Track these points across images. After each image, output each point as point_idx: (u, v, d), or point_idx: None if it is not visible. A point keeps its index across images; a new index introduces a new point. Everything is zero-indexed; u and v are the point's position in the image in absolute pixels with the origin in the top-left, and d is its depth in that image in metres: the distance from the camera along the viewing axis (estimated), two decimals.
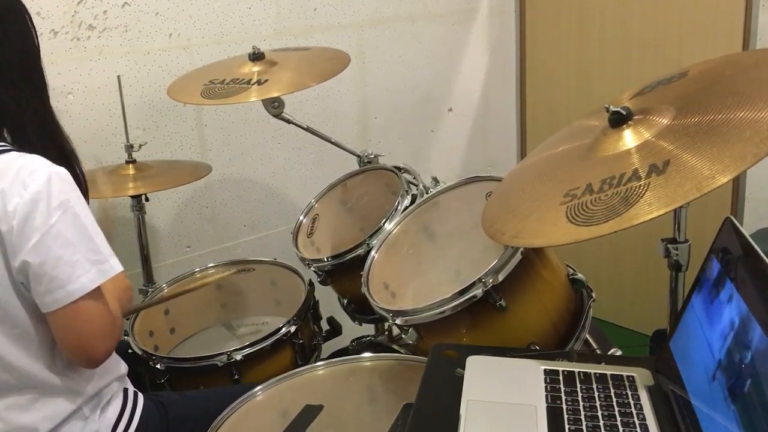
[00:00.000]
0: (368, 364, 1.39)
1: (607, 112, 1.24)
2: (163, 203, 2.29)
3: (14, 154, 1.19)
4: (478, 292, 1.28)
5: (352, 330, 1.87)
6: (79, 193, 1.22)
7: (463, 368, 1.09)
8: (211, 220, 2.41)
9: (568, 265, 1.48)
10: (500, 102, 3.05)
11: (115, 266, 1.23)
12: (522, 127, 3.09)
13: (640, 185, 1.08)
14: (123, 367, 1.41)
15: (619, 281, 2.81)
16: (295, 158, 2.53)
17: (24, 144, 1.23)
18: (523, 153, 3.11)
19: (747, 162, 1.01)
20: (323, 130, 2.04)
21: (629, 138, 1.21)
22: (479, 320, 1.34)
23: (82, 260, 1.18)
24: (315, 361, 1.54)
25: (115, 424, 1.33)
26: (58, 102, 2.07)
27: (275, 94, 1.77)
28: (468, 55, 2.91)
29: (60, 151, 1.27)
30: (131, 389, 1.41)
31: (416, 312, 1.34)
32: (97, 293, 1.21)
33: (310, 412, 1.28)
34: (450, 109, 2.93)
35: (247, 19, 2.35)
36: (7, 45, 1.21)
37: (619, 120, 1.23)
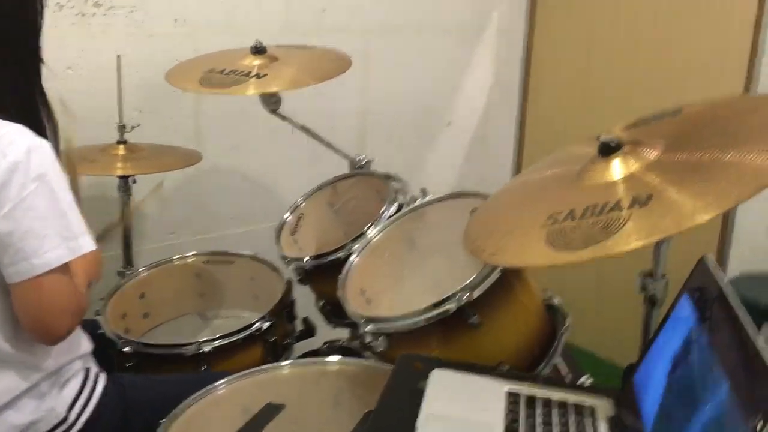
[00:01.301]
0: (336, 367, 1.38)
1: (598, 140, 1.24)
2: (151, 187, 2.27)
3: None
4: (452, 306, 1.28)
5: (327, 332, 1.86)
6: (59, 167, 1.21)
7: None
8: (198, 208, 2.40)
9: (545, 290, 1.48)
10: (500, 120, 3.05)
11: (85, 245, 1.21)
12: (519, 147, 3.09)
13: (621, 216, 1.08)
14: (87, 346, 1.39)
15: (601, 311, 2.80)
16: (289, 156, 2.52)
17: (3, 116, 1.21)
18: (517, 172, 3.11)
19: (729, 203, 1.01)
20: (321, 131, 2.03)
21: (617, 168, 1.21)
22: (451, 335, 1.33)
23: (52, 235, 1.17)
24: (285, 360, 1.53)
25: (72, 402, 1.32)
26: (56, 76, 2.07)
27: (273, 90, 1.76)
28: (472, 70, 2.92)
29: (37, 130, 1.24)
30: (93, 369, 1.40)
31: (389, 320, 1.34)
32: (63, 269, 1.19)
33: (271, 411, 1.27)
34: (449, 123, 2.93)
35: (255, 12, 2.34)
36: None
37: (608, 150, 1.23)
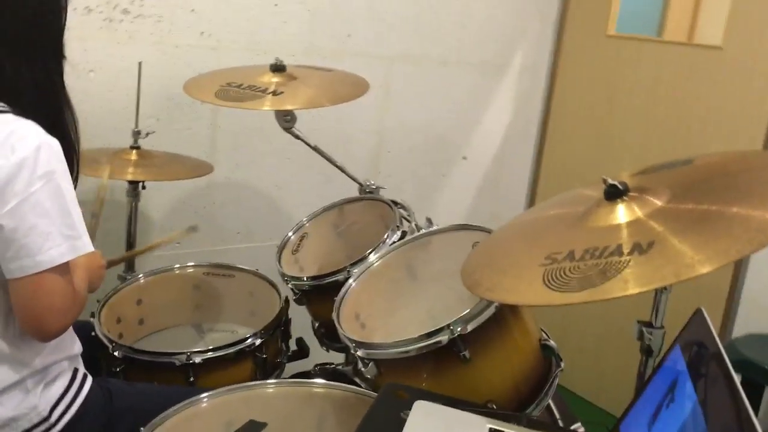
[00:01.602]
0: (322, 390, 1.36)
1: (605, 184, 1.23)
2: (162, 195, 2.29)
3: (10, 116, 1.19)
4: (444, 338, 1.26)
5: (320, 355, 1.85)
6: (66, 167, 1.21)
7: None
8: (206, 220, 2.40)
9: (542, 330, 1.46)
10: (516, 158, 3.04)
11: (87, 245, 1.22)
12: (533, 186, 3.08)
13: (620, 261, 1.07)
14: (77, 347, 1.39)
15: (600, 358, 2.77)
16: (301, 176, 2.53)
17: (19, 111, 1.22)
18: None
19: (730, 256, 0.99)
20: (335, 153, 2.03)
21: (621, 213, 1.20)
22: (441, 368, 1.32)
23: (56, 233, 1.17)
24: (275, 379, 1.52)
25: (56, 402, 1.31)
26: (78, 78, 2.10)
27: (288, 107, 1.77)
28: (492, 106, 2.92)
29: (55, 124, 1.25)
30: (81, 370, 1.39)
31: (379, 347, 1.32)
32: (64, 268, 1.20)
33: (253, 428, 1.26)
34: (464, 157, 2.93)
35: (280, 31, 2.37)
36: (19, 13, 1.20)
37: (614, 194, 1.22)
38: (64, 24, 1.29)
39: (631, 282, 1.02)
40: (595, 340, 2.78)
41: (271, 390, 1.34)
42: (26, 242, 1.15)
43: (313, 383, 1.35)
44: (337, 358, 1.81)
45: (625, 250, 1.08)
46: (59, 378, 1.34)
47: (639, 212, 1.18)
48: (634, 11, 3.07)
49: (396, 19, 2.57)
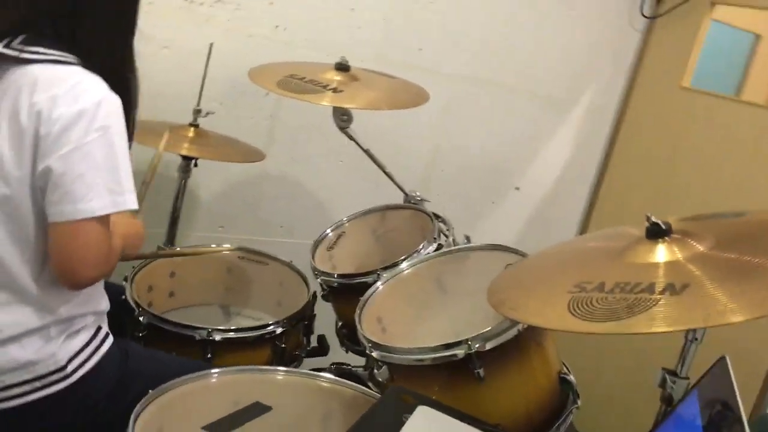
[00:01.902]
0: (331, 386, 1.35)
1: (647, 221, 1.20)
2: (213, 177, 2.33)
3: (78, 68, 1.23)
4: (460, 352, 1.25)
5: (339, 355, 1.84)
6: (123, 124, 1.25)
7: None
8: (252, 209, 2.43)
9: (564, 364, 1.43)
10: (570, 196, 2.99)
11: (130, 202, 1.25)
12: (584, 226, 3.02)
13: (650, 298, 1.04)
14: (104, 304, 1.41)
15: (618, 404, 2.68)
16: (351, 180, 2.54)
17: (91, 68, 1.26)
18: None
19: (764, 310, 0.96)
20: (388, 163, 2.02)
21: (661, 253, 1.17)
22: (454, 383, 1.30)
23: (101, 185, 1.20)
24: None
25: (75, 354, 1.33)
26: (153, 53, 2.17)
27: (346, 106, 1.79)
28: (553, 141, 2.89)
29: (118, 85, 1.29)
30: (104, 329, 1.41)
31: (395, 351, 1.31)
32: (103, 221, 1.22)
33: (258, 410, 1.26)
34: (517, 188, 2.90)
35: (353, 36, 2.39)
36: None
37: (656, 233, 1.19)
38: None
39: (658, 321, 0.99)
40: (620, 388, 2.70)
41: (281, 377, 1.34)
42: (71, 189, 1.18)
43: (323, 377, 1.34)
44: (354, 360, 1.81)
45: (658, 289, 1.06)
46: (82, 331, 1.36)
47: (679, 254, 1.15)
48: (715, 69, 3.01)
49: (468, 41, 2.57)
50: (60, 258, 1.23)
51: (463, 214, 2.80)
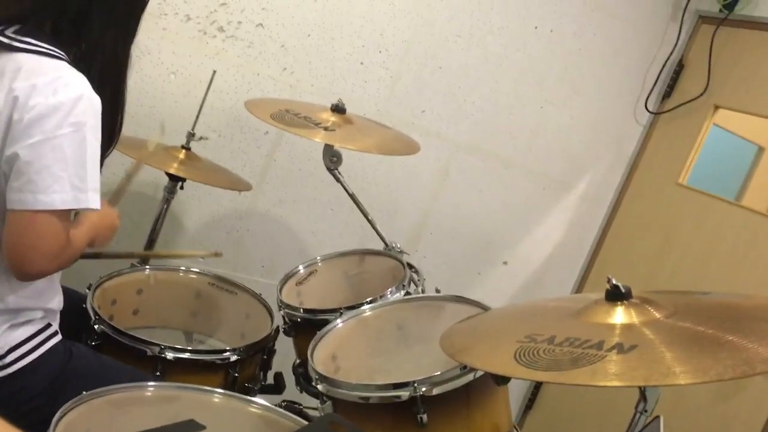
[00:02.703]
0: (269, 414, 1.30)
1: (608, 283, 1.19)
2: (200, 206, 2.33)
3: (64, 63, 1.25)
4: (404, 394, 1.22)
5: (294, 395, 1.79)
6: (98, 124, 1.25)
7: None
8: (235, 243, 2.43)
9: (515, 426, 1.39)
10: (557, 278, 2.97)
11: (92, 201, 1.24)
12: None
13: (596, 354, 1.02)
14: (56, 303, 1.40)
15: None
16: (338, 229, 2.54)
17: (83, 69, 1.28)
18: None
19: (707, 377, 0.93)
20: (378, 218, 1.99)
21: (618, 316, 1.16)
22: (396, 426, 1.26)
23: (66, 180, 1.20)
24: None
25: (15, 346, 1.31)
26: (160, 76, 2.21)
27: (336, 144, 1.80)
28: (546, 221, 2.89)
29: (111, 94, 1.31)
30: (53, 327, 1.39)
31: (341, 385, 1.28)
32: (61, 215, 1.22)
33: (190, 427, 1.22)
34: (505, 263, 2.88)
35: (359, 89, 2.44)
36: None
37: (615, 295, 1.18)
38: (146, 4, 1.37)
39: (599, 375, 0.97)
40: None
41: (217, 399, 1.30)
42: (35, 179, 1.18)
43: (257, 402, 1.29)
44: (308, 402, 1.76)
45: (606, 346, 1.04)
46: (27, 325, 1.34)
47: (635, 318, 1.14)
48: (716, 173, 3.04)
49: (473, 109, 2.61)
50: (12, 246, 1.22)
51: (448, 280, 2.78)
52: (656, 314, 1.13)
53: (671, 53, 2.81)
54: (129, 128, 2.12)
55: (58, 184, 1.20)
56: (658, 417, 0.91)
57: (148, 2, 1.37)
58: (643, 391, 1.13)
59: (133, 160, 1.84)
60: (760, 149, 3.23)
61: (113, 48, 1.32)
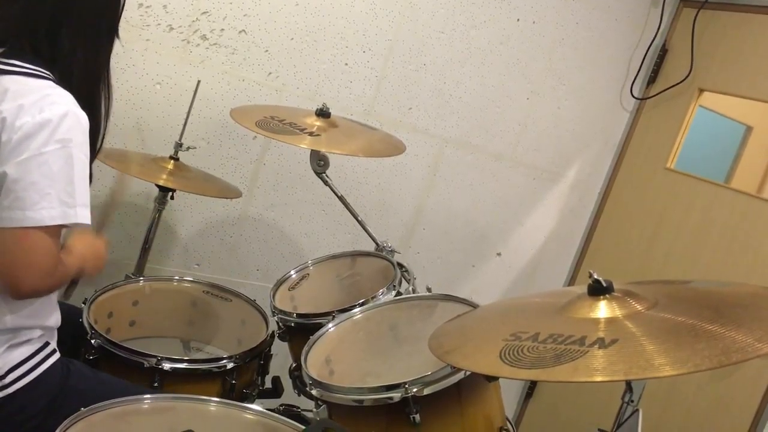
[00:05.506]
0: (266, 420, 1.33)
1: (590, 278, 1.21)
2: (192, 215, 2.35)
3: (50, 83, 1.27)
4: (396, 395, 1.24)
5: (292, 398, 1.82)
6: (86, 140, 1.28)
7: None
8: (230, 250, 2.45)
9: (507, 420, 1.41)
10: (551, 267, 3.00)
11: (81, 216, 1.26)
12: None
13: (578, 350, 1.04)
14: (53, 320, 1.41)
15: None
16: (331, 230, 2.56)
17: (62, 83, 1.30)
18: None
19: (686, 368, 0.96)
20: (369, 218, 2.02)
21: (602, 310, 1.17)
22: (390, 427, 1.28)
23: (54, 196, 1.22)
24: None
25: (15, 366, 1.33)
26: (145, 87, 2.22)
27: (323, 149, 1.82)
28: (537, 212, 2.91)
29: (89, 101, 1.33)
30: (51, 345, 1.41)
31: (334, 389, 1.30)
32: (51, 231, 1.24)
33: None
34: (499, 254, 2.90)
35: (345, 90, 2.45)
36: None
37: (597, 290, 1.20)
38: (122, 10, 1.38)
39: (581, 371, 0.99)
40: None
41: (213, 408, 1.32)
42: (23, 195, 1.20)
43: (252, 409, 1.32)
44: (306, 404, 1.78)
45: (587, 342, 1.06)
46: (26, 344, 1.36)
47: (618, 312, 1.15)
48: (705, 156, 3.06)
49: (460, 105, 2.63)
50: (4, 264, 1.24)
51: (443, 275, 2.81)
52: (638, 306, 1.15)
53: (654, 38, 2.82)
54: (117, 141, 2.18)
55: (46, 201, 1.22)
56: (637, 410, 0.93)
57: (118, 19, 1.39)
58: (628, 383, 1.16)
59: (118, 172, 1.86)
60: (748, 129, 3.25)
61: (84, 64, 1.34)
